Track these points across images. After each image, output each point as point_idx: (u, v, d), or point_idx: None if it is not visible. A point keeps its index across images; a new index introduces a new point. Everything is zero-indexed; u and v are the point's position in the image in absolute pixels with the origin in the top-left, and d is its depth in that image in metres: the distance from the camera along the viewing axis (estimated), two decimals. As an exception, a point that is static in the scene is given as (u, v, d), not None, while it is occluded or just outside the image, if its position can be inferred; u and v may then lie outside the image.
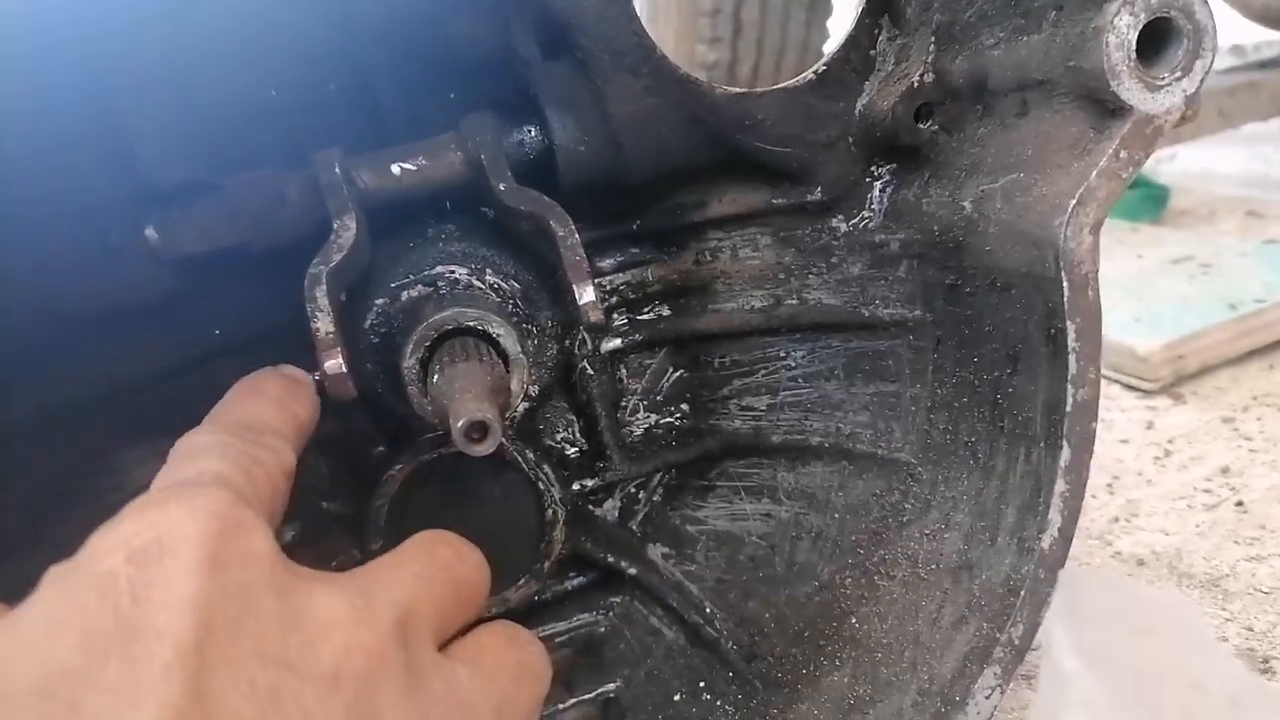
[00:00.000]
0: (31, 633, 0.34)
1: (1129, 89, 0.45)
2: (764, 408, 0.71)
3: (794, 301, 0.69)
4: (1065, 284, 0.47)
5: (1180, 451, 0.97)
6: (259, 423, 0.49)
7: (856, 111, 0.63)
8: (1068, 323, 0.48)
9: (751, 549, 0.71)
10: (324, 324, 0.53)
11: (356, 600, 0.39)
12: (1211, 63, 0.45)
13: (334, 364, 0.54)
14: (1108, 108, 0.46)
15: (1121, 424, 1.04)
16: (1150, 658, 0.36)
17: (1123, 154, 0.46)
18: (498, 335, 0.59)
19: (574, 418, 0.69)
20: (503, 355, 0.58)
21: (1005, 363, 0.54)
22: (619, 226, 0.67)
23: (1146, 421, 1.04)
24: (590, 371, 0.68)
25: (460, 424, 0.47)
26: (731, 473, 0.72)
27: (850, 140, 0.64)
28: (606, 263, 0.69)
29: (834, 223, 0.67)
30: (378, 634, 0.38)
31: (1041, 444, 0.51)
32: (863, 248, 0.66)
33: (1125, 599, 0.43)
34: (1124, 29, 0.44)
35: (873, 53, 0.63)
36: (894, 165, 0.64)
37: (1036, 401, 0.52)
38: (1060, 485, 0.50)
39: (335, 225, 0.55)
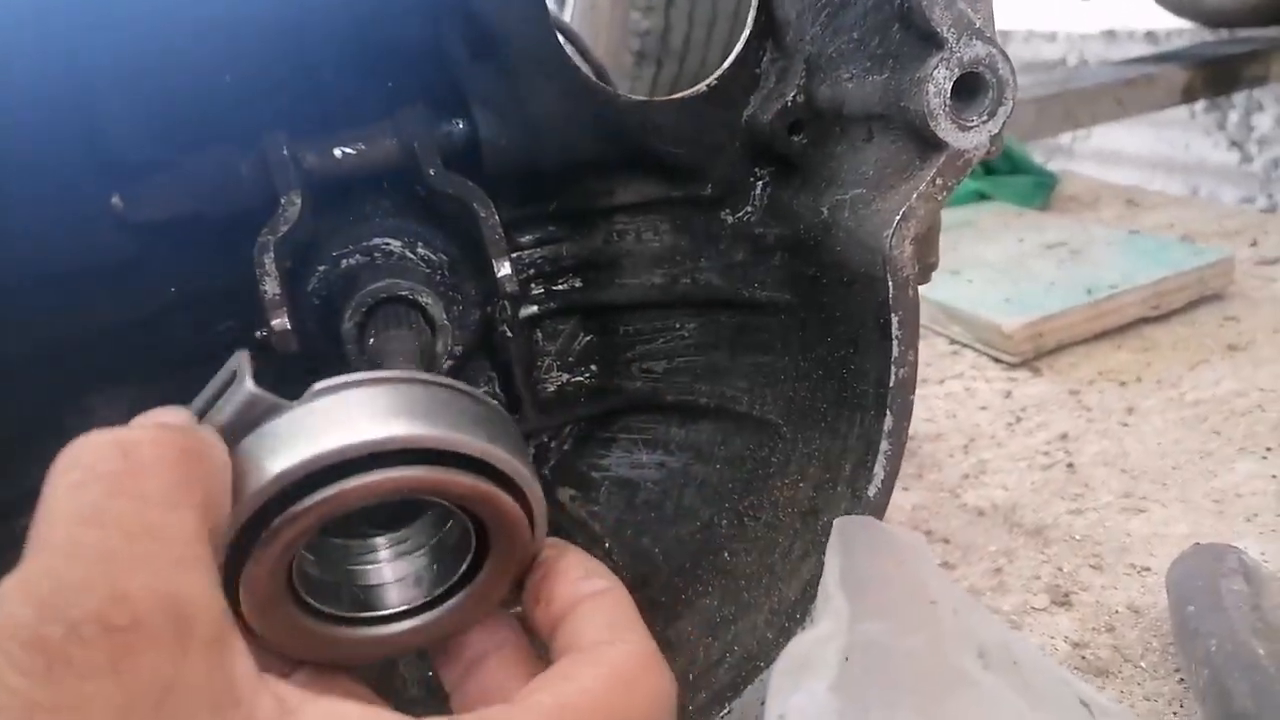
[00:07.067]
0: None
1: (944, 129, 0.55)
2: (661, 371, 0.80)
3: (688, 281, 0.78)
4: (890, 284, 0.58)
5: (1030, 419, 1.10)
6: None
7: (742, 121, 0.73)
8: (892, 315, 0.59)
9: (646, 493, 0.81)
10: (271, 287, 0.61)
11: None
12: (1012, 109, 0.56)
13: (280, 322, 0.62)
14: (929, 142, 0.57)
15: (984, 393, 1.17)
16: (896, 581, 0.46)
17: (938, 180, 0.56)
18: (426, 304, 0.68)
19: (494, 375, 0.77)
20: (430, 321, 0.68)
21: (849, 344, 0.65)
22: (537, 207, 0.75)
23: (1005, 391, 1.17)
24: (509, 334, 0.75)
25: None
26: (632, 426, 0.81)
27: (737, 145, 0.73)
28: (525, 238, 0.77)
29: (722, 215, 0.76)
30: None
31: (872, 412, 0.62)
32: (745, 238, 0.76)
33: (882, 538, 0.53)
34: (941, 80, 0.54)
35: (758, 71, 0.73)
36: (773, 169, 0.74)
37: (870, 377, 0.62)
38: (884, 445, 0.61)
39: (282, 200, 0.63)
